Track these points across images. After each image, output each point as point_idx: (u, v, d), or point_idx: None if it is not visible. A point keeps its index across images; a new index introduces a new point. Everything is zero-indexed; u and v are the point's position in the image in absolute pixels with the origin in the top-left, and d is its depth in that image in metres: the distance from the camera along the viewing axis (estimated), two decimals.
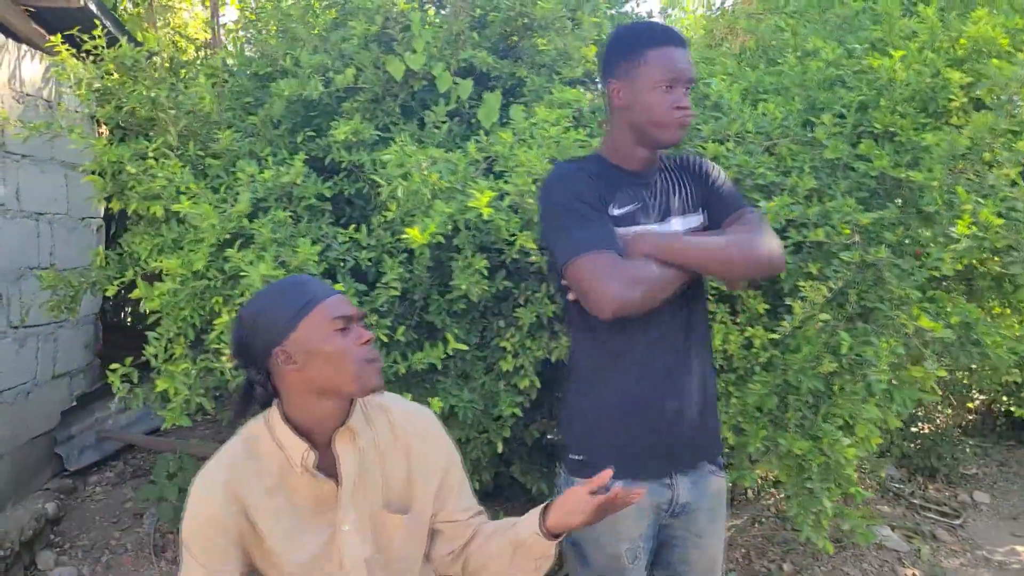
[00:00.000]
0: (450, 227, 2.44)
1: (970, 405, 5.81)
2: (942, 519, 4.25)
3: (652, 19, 3.49)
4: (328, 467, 1.59)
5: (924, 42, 2.66)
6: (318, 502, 1.59)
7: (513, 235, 2.46)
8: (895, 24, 2.70)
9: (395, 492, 1.66)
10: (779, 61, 3.04)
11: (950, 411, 5.62)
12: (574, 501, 1.53)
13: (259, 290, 1.60)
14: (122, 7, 6.05)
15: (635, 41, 1.83)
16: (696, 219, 1.93)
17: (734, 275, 1.97)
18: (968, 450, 5.03)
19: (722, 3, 6.41)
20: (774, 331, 2.32)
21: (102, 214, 4.90)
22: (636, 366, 1.82)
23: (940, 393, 2.54)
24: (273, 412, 1.59)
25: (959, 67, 2.66)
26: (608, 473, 1.52)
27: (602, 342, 1.85)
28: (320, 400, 1.55)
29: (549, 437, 3.97)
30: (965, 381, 4.92)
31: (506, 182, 2.47)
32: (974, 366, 3.28)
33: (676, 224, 1.88)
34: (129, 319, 6.56)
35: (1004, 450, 5.46)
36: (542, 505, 1.61)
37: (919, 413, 4.97)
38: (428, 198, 2.44)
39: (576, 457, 1.88)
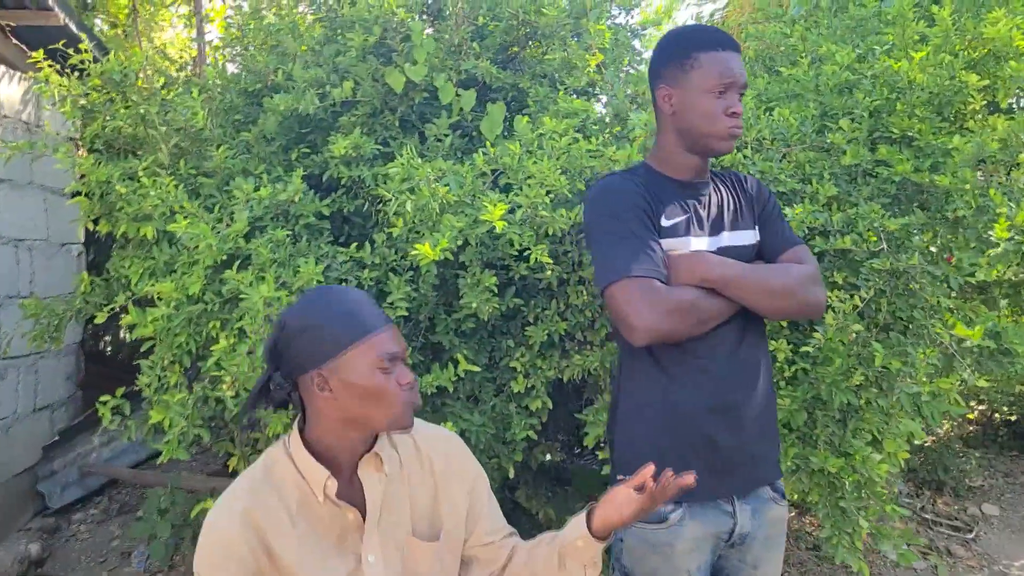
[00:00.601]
0: (460, 242, 2.33)
1: (970, 416, 5.75)
2: (955, 534, 4.17)
3: (643, 30, 3.41)
4: (351, 494, 1.49)
5: (937, 45, 2.60)
6: (342, 530, 1.49)
7: (527, 249, 2.35)
8: (907, 28, 2.63)
9: (423, 518, 1.56)
10: (782, 69, 2.98)
11: (948, 424, 5.56)
12: (622, 497, 1.45)
13: (310, 296, 1.49)
14: (97, 31, 5.91)
15: (686, 44, 1.74)
16: (750, 236, 1.84)
17: (780, 317, 1.94)
18: (973, 462, 4.95)
19: (711, 15, 6.39)
20: (805, 344, 2.22)
21: (83, 239, 4.74)
22: (687, 380, 1.72)
23: (964, 405, 2.45)
24: (293, 436, 1.50)
25: (973, 70, 2.60)
26: (650, 468, 1.43)
27: (651, 357, 1.74)
28: (346, 429, 1.47)
29: (550, 458, 3.85)
30: (966, 392, 4.86)
31: (516, 195, 2.36)
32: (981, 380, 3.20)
33: (727, 239, 1.79)
34: (109, 348, 6.37)
35: (1008, 461, 5.40)
36: (584, 509, 1.52)
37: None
38: (436, 212, 2.34)
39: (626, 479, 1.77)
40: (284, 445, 1.50)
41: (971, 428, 5.71)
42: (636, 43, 3.40)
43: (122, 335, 6.30)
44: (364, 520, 1.49)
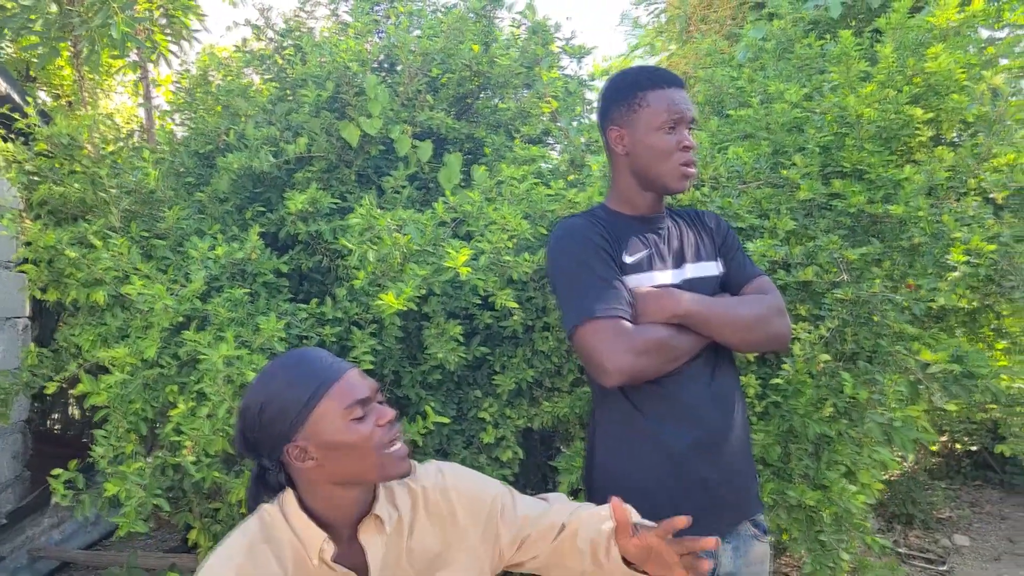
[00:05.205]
0: (424, 291, 2.30)
1: (933, 448, 5.80)
2: (929, 567, 4.16)
3: (587, 81, 3.46)
4: (350, 556, 1.41)
5: (882, 82, 2.67)
6: None
7: (491, 295, 2.33)
8: (852, 66, 2.71)
9: (426, 562, 1.48)
10: (731, 112, 3.03)
11: (912, 456, 5.61)
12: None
13: (260, 374, 1.42)
14: (40, 103, 5.82)
15: (633, 85, 1.76)
16: (713, 267, 1.84)
17: (749, 349, 1.94)
18: (940, 494, 4.97)
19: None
20: (776, 376, 2.22)
21: (28, 312, 4.59)
22: (665, 417, 1.69)
23: (935, 432, 2.46)
24: (288, 497, 1.41)
25: (917, 104, 2.67)
26: (681, 521, 1.33)
27: (624, 397, 1.71)
28: (342, 490, 1.39)
29: None
30: (933, 438, 4.91)
31: (478, 241, 2.34)
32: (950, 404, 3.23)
33: (691, 271, 1.79)
34: (58, 426, 6.14)
35: (973, 491, 5.44)
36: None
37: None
38: (399, 262, 2.30)
39: None
40: (279, 504, 1.42)
41: (934, 460, 5.76)
42: (587, 93, 3.45)
43: (71, 412, 6.10)
44: None
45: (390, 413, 1.38)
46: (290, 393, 1.35)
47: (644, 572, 1.41)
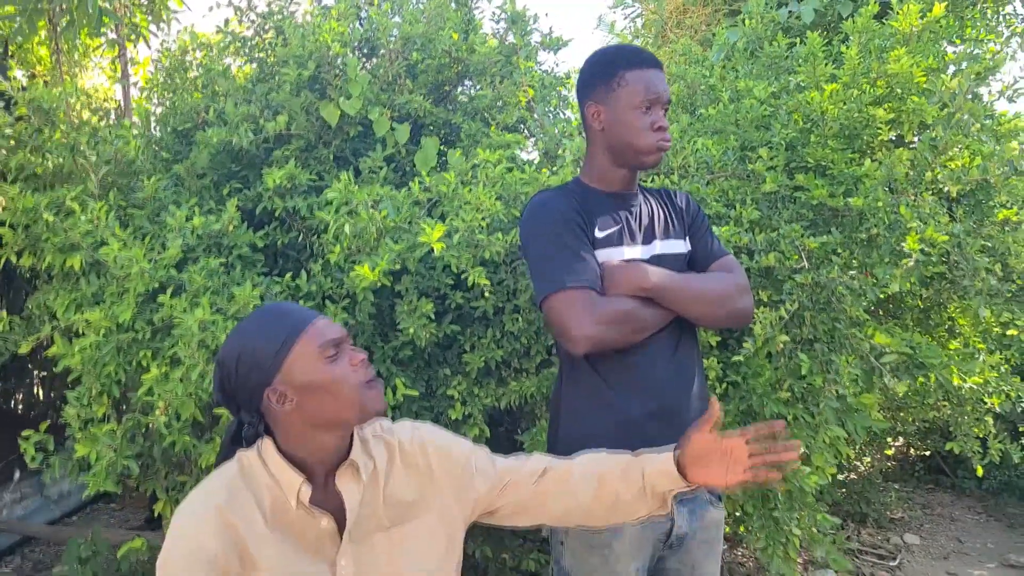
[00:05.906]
0: (398, 265, 2.35)
1: (888, 452, 5.95)
2: (880, 562, 4.28)
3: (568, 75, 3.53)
4: (325, 500, 1.45)
5: (846, 83, 2.78)
6: (317, 537, 1.44)
7: (463, 272, 2.39)
8: (818, 66, 2.81)
9: (400, 511, 1.52)
10: (703, 111, 3.13)
11: (868, 459, 5.75)
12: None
13: (233, 329, 1.47)
14: (15, 82, 5.78)
15: (613, 63, 1.83)
16: (681, 245, 1.91)
17: (712, 324, 2.04)
18: (893, 495, 5.11)
19: None
20: (736, 354, 2.30)
21: None
22: (627, 387, 1.76)
23: (886, 420, 2.55)
24: (266, 443, 1.45)
25: (879, 105, 2.78)
26: (780, 424, 1.41)
27: (590, 366, 1.78)
28: (321, 434, 1.42)
29: None
30: (885, 426, 5.05)
31: (453, 220, 2.41)
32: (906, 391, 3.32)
33: (659, 247, 1.86)
34: (21, 407, 6.10)
35: (925, 493, 5.59)
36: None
37: (842, 462, 5.05)
38: (375, 236, 2.36)
39: None
40: (258, 450, 1.45)
41: (890, 463, 5.90)
42: (563, 91, 3.53)
43: (36, 392, 6.05)
44: (339, 527, 1.45)
45: (362, 354, 1.42)
46: (264, 340, 1.40)
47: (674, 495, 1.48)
